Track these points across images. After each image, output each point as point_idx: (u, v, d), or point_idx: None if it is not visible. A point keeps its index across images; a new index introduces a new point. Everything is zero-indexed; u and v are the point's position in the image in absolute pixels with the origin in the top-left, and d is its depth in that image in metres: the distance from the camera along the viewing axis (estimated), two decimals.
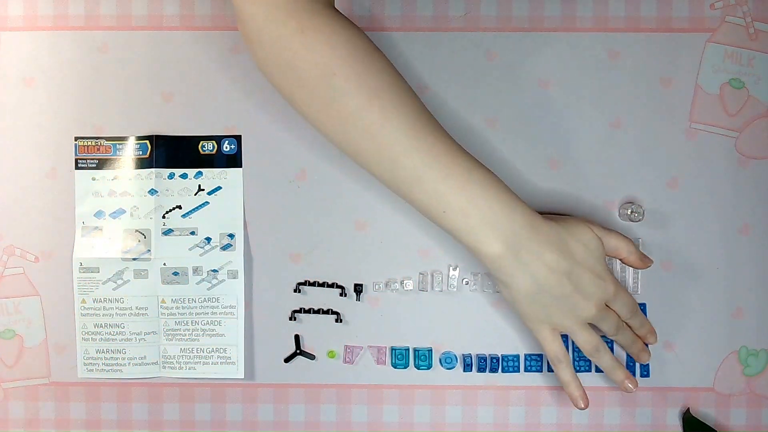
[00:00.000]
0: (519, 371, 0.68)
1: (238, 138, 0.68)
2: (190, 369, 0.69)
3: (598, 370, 0.68)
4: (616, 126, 0.68)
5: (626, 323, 0.63)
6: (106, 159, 0.68)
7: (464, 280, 0.68)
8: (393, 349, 0.69)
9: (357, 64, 0.55)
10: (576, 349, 0.68)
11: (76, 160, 0.68)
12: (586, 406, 0.63)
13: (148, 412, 0.69)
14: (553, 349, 0.62)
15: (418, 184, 0.56)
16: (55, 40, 0.68)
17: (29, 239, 0.69)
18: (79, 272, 0.68)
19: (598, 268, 0.60)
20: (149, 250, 0.68)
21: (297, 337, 0.69)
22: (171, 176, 0.68)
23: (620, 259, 0.63)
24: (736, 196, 0.68)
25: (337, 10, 0.58)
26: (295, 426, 0.69)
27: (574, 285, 0.58)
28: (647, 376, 0.68)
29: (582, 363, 0.68)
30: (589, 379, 0.68)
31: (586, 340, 0.61)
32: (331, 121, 0.56)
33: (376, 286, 0.68)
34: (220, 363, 0.68)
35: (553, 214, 0.63)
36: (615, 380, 0.63)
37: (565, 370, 0.62)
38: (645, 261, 0.64)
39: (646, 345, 0.66)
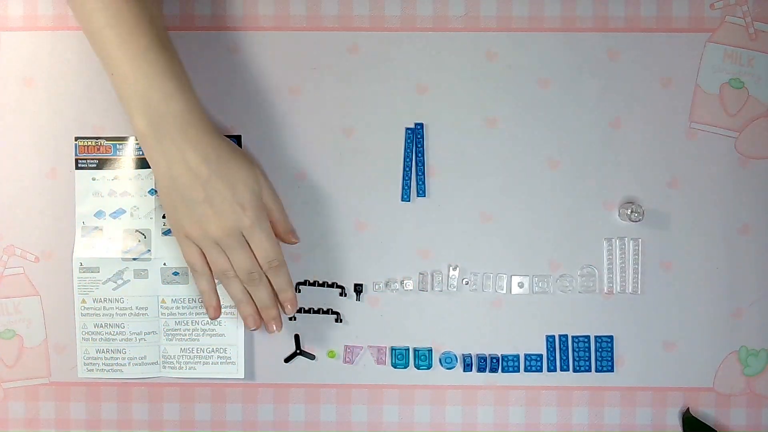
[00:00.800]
0: (519, 371, 0.68)
1: (238, 138, 0.68)
2: (190, 369, 0.69)
3: (598, 370, 0.68)
4: (616, 126, 0.68)
5: (269, 280, 0.63)
6: (106, 159, 0.68)
7: (464, 280, 0.69)
8: (393, 349, 0.69)
9: None
10: (562, 348, 0.68)
11: (76, 160, 0.68)
12: (215, 317, 0.65)
13: (148, 412, 0.69)
14: (189, 257, 0.63)
15: (99, 42, 0.59)
16: (55, 40, 0.68)
17: (29, 239, 0.69)
18: (79, 272, 0.68)
19: (244, 197, 0.60)
20: (149, 250, 0.68)
21: (297, 337, 0.69)
22: None
23: (270, 221, 0.63)
24: (736, 196, 0.68)
25: None
26: (295, 426, 0.69)
27: (207, 195, 0.59)
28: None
29: (582, 363, 0.68)
30: (589, 379, 0.68)
31: (213, 261, 0.62)
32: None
33: (376, 286, 0.68)
34: (220, 363, 0.68)
35: None
36: (240, 313, 0.65)
37: (200, 279, 0.63)
38: (289, 236, 0.65)
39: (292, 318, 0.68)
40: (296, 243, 0.66)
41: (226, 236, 0.60)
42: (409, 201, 0.68)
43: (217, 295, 0.64)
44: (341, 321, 0.68)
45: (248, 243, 0.61)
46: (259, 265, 0.62)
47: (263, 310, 0.64)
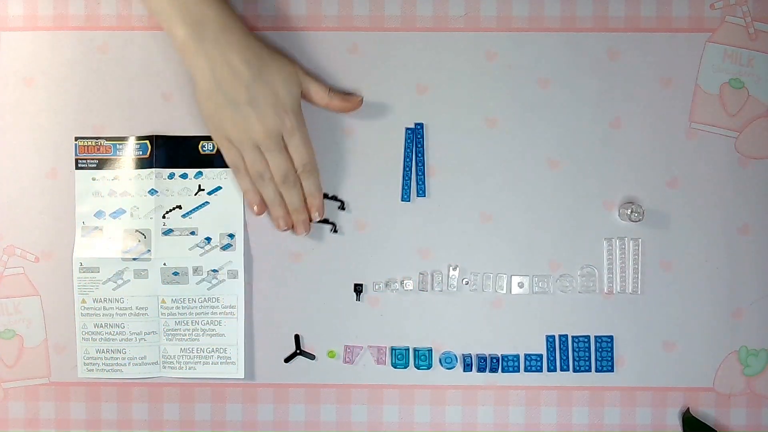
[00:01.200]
0: (519, 371, 0.68)
1: None
2: (190, 369, 0.69)
3: (598, 370, 0.68)
4: (616, 126, 0.68)
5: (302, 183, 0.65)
6: (106, 159, 0.68)
7: (464, 280, 0.69)
8: (393, 349, 0.69)
9: None
10: (562, 348, 0.68)
11: (76, 160, 0.68)
12: (260, 213, 0.66)
13: (148, 412, 0.69)
14: (231, 158, 0.64)
15: None
16: (55, 40, 0.68)
17: (29, 239, 0.69)
18: (79, 272, 0.68)
19: (286, 100, 0.61)
20: (149, 250, 0.68)
21: (297, 337, 0.69)
22: (171, 176, 0.68)
23: (323, 105, 0.65)
24: (736, 196, 0.68)
25: None
26: (295, 426, 0.69)
27: (250, 96, 0.60)
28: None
29: (582, 363, 0.68)
30: (589, 379, 0.68)
31: (251, 163, 0.63)
32: None
33: (376, 286, 0.68)
34: (220, 363, 0.68)
35: None
36: (271, 214, 0.66)
37: (243, 179, 0.65)
38: (346, 101, 0.65)
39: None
40: (358, 105, 0.66)
41: (267, 138, 0.62)
42: (409, 201, 0.68)
43: (259, 193, 0.65)
44: (336, 232, 0.68)
45: (286, 146, 0.63)
46: (294, 168, 0.64)
47: (294, 213, 0.66)
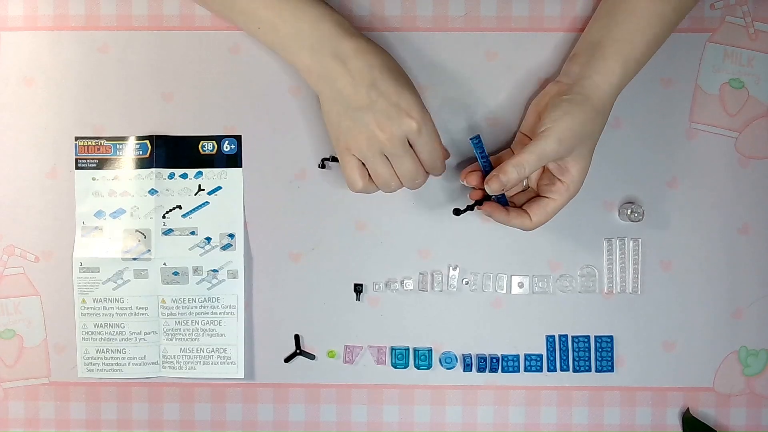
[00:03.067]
0: (519, 371, 0.68)
1: (238, 138, 0.68)
2: (190, 369, 0.69)
3: (598, 370, 0.68)
4: (616, 126, 0.68)
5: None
6: (106, 159, 0.68)
7: (464, 280, 0.69)
8: (393, 349, 0.69)
9: None
10: (562, 348, 0.68)
11: (76, 160, 0.68)
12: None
13: (148, 412, 0.69)
14: (350, 172, 0.60)
15: (231, 4, 0.61)
16: (55, 40, 0.68)
17: (29, 239, 0.69)
18: (79, 272, 0.68)
19: (409, 100, 0.58)
20: (149, 250, 0.68)
21: (297, 337, 0.69)
22: (171, 176, 0.68)
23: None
24: (736, 196, 0.68)
25: None
26: (295, 426, 0.69)
27: (371, 101, 0.58)
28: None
29: (582, 363, 0.68)
30: (589, 379, 0.68)
31: (378, 172, 0.60)
32: None
33: (376, 286, 0.68)
34: (220, 363, 0.68)
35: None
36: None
37: (358, 189, 0.61)
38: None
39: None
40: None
41: (392, 143, 0.58)
42: (409, 201, 0.68)
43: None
44: (324, 167, 0.67)
45: (413, 148, 0.60)
46: (422, 168, 0.61)
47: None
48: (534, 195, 0.63)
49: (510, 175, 0.59)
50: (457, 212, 0.64)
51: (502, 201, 0.63)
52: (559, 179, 0.61)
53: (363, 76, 0.58)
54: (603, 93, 0.60)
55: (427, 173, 0.62)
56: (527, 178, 0.62)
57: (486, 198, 0.63)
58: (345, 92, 0.59)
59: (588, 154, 0.61)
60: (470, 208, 0.64)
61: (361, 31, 0.61)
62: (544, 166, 0.61)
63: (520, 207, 0.63)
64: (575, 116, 0.59)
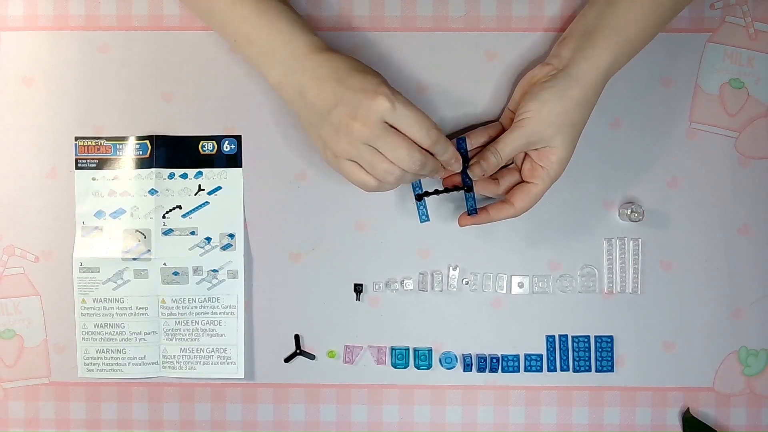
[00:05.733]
0: (519, 371, 0.68)
1: (238, 138, 0.68)
2: (190, 369, 0.69)
3: (598, 370, 0.68)
4: (616, 126, 0.68)
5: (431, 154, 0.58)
6: (106, 159, 0.68)
7: (464, 280, 0.69)
8: (393, 349, 0.69)
9: None
10: (562, 348, 0.68)
11: (76, 160, 0.68)
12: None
13: (148, 412, 0.69)
14: (355, 177, 0.58)
15: (210, 14, 0.62)
16: (55, 40, 0.68)
17: (29, 239, 0.69)
18: (79, 272, 0.68)
19: (373, 81, 0.57)
20: (149, 250, 0.68)
21: (297, 337, 0.69)
22: (171, 176, 0.68)
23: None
24: (736, 196, 0.68)
25: None
26: (295, 426, 0.69)
27: (338, 97, 0.57)
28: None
29: (582, 363, 0.68)
30: (589, 379, 0.68)
31: (373, 165, 0.57)
32: None
33: (376, 286, 0.69)
34: (220, 363, 0.68)
35: None
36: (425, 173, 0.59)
37: (373, 188, 0.59)
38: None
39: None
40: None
41: (369, 128, 0.55)
42: (409, 201, 0.68)
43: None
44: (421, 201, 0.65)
45: (397, 129, 0.56)
46: (418, 145, 0.57)
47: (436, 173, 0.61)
48: (520, 180, 0.63)
49: (490, 161, 0.61)
50: (419, 197, 0.64)
51: (472, 211, 0.63)
52: (540, 165, 0.61)
53: (328, 78, 0.58)
54: (590, 81, 0.60)
55: (430, 153, 0.58)
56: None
57: (456, 188, 0.63)
58: (315, 102, 0.58)
59: (569, 142, 0.60)
60: (436, 192, 0.64)
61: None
62: (525, 152, 0.62)
63: (503, 201, 0.63)
64: (555, 106, 0.59)
